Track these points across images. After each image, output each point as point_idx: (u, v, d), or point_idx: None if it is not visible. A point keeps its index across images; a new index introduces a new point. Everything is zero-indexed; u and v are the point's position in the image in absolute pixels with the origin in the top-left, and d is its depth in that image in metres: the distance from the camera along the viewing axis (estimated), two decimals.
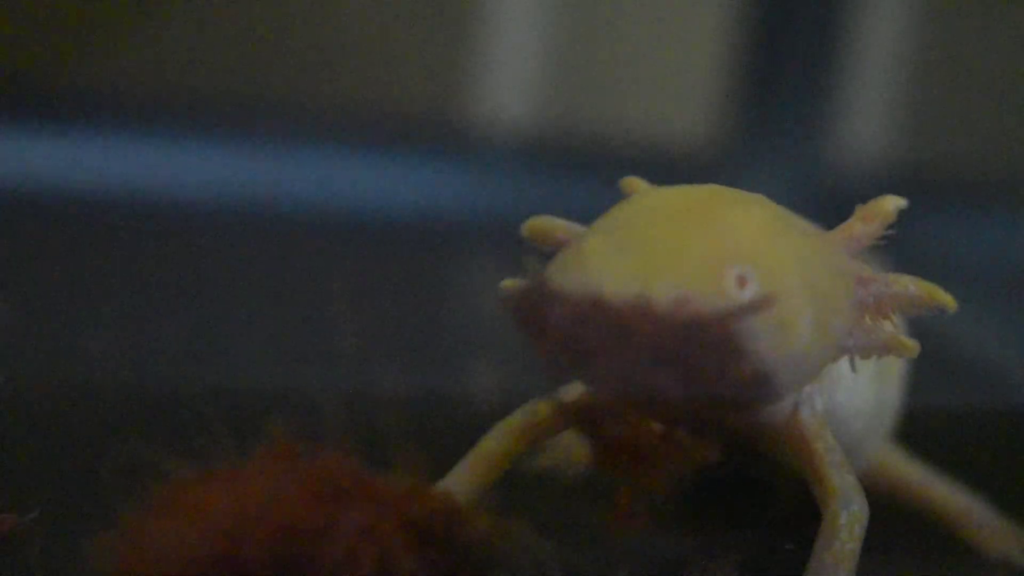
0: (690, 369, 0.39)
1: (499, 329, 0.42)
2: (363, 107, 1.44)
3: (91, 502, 0.47)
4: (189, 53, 1.41)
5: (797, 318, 0.41)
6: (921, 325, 0.50)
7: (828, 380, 0.48)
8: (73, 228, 1.12)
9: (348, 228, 1.24)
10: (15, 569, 0.45)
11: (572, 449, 0.55)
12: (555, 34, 1.52)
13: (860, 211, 0.46)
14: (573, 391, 0.46)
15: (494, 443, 0.48)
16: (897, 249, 0.50)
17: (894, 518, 0.55)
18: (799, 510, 0.49)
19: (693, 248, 0.41)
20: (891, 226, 0.46)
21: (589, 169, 1.31)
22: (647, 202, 0.44)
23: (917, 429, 0.59)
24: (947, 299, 0.45)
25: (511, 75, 1.52)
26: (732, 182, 0.47)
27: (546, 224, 0.47)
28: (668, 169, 0.50)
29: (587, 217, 0.46)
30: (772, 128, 1.35)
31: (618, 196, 0.47)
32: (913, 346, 0.45)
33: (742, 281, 0.41)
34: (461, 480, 0.47)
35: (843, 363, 0.46)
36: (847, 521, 0.45)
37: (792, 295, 0.41)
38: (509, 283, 0.44)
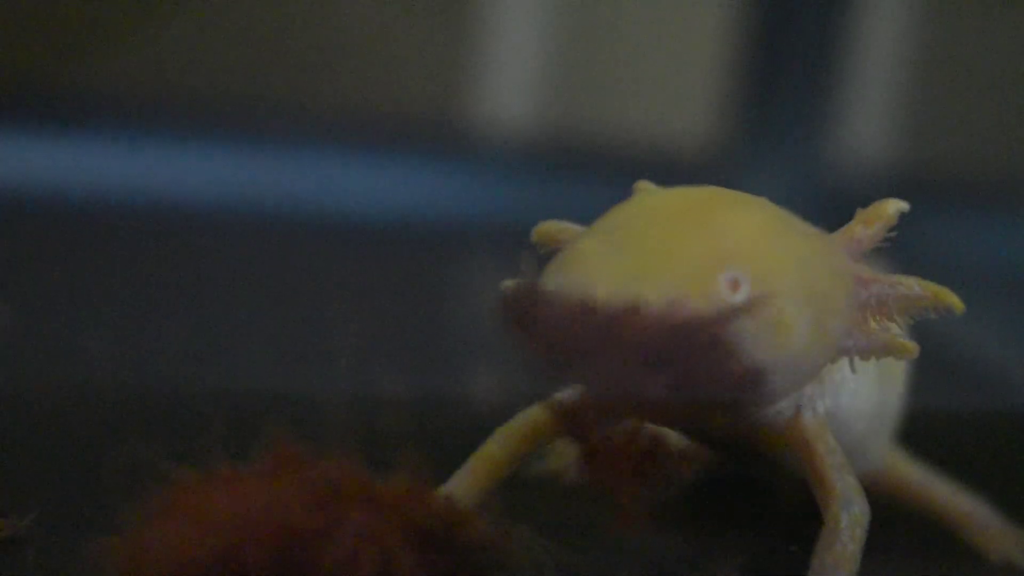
0: (681, 372, 0.39)
1: (499, 331, 0.42)
2: (364, 109, 1.44)
3: (92, 504, 0.47)
4: (190, 55, 1.41)
5: (792, 320, 0.41)
6: (921, 327, 0.50)
7: (830, 382, 0.48)
8: (73, 230, 1.12)
9: (349, 230, 1.24)
10: (15, 571, 0.45)
11: (573, 452, 0.55)
12: (555, 36, 1.52)
13: (861, 214, 0.46)
14: (570, 394, 0.46)
15: (496, 447, 0.48)
16: (897, 250, 0.50)
17: (896, 519, 0.55)
18: (801, 511, 0.49)
19: (686, 251, 0.41)
20: (892, 229, 0.46)
21: (590, 170, 1.31)
22: (644, 204, 0.44)
23: (918, 431, 0.59)
24: (954, 300, 0.45)
25: (512, 77, 1.52)
26: (733, 183, 0.47)
27: (555, 228, 0.47)
28: (669, 171, 0.50)
29: (588, 219, 0.46)
30: (773, 129, 1.35)
31: (619, 197, 0.47)
32: (913, 348, 0.45)
33: (735, 284, 0.41)
34: (463, 484, 0.47)
35: (845, 365, 0.46)
36: (848, 523, 0.45)
37: (787, 297, 0.41)
38: (509, 284, 0.44)
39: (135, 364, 0.74)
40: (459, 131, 1.49)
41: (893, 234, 0.46)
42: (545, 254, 0.45)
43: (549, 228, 0.47)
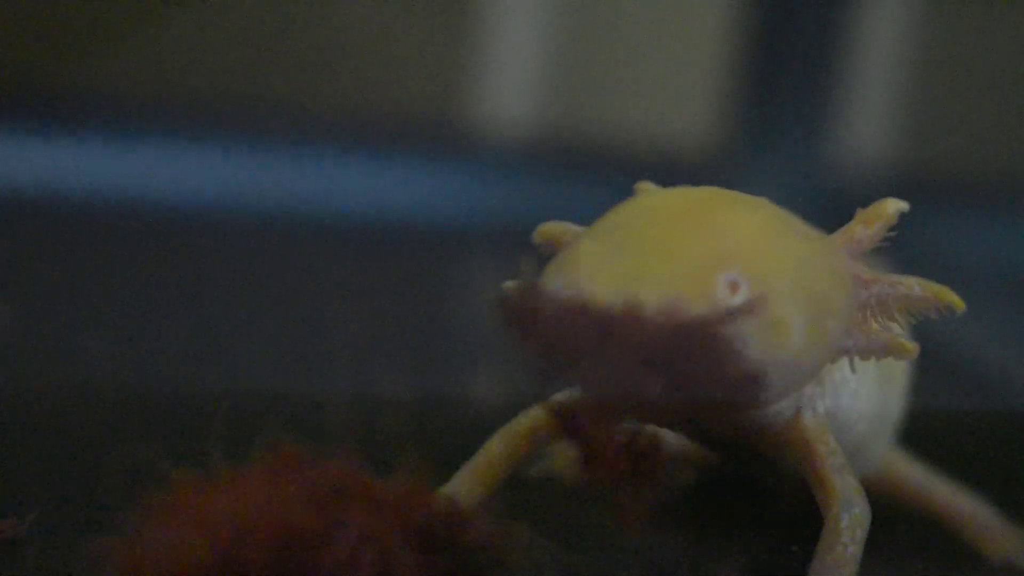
0: (678, 374, 0.39)
1: (498, 332, 0.42)
2: (364, 109, 1.44)
3: (91, 505, 0.47)
4: (190, 56, 1.41)
5: (790, 321, 0.41)
6: (922, 327, 0.50)
7: (831, 383, 0.48)
8: (73, 230, 1.12)
9: (348, 230, 1.24)
10: (15, 572, 0.45)
11: (572, 453, 0.55)
12: (556, 36, 1.52)
13: (861, 214, 0.46)
14: (568, 395, 0.45)
15: (497, 447, 0.48)
16: (898, 251, 0.50)
17: (896, 520, 0.55)
18: (802, 512, 0.49)
19: (685, 252, 0.41)
20: (892, 228, 0.46)
21: (590, 171, 1.31)
22: (644, 204, 0.44)
23: (918, 431, 0.59)
24: (954, 299, 0.45)
25: (512, 77, 1.52)
26: (733, 184, 0.47)
27: (556, 229, 0.47)
28: (669, 171, 0.50)
29: (589, 219, 0.46)
30: (773, 130, 1.35)
31: (620, 197, 0.47)
32: (913, 348, 0.45)
33: (733, 286, 0.41)
34: (464, 484, 0.47)
35: (845, 366, 0.46)
36: (849, 524, 0.45)
37: (785, 298, 0.41)
38: (510, 285, 0.44)
39: (135, 364, 0.74)
40: (459, 131, 1.49)
41: (893, 234, 0.46)
42: (547, 255, 0.45)
43: (550, 229, 0.47)
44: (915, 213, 0.47)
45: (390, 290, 1.01)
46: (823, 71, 1.35)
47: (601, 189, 0.49)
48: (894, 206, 0.46)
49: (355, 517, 0.38)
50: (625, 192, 0.47)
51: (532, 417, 0.48)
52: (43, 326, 0.82)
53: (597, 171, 1.29)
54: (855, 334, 0.45)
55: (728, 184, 0.47)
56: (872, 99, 1.49)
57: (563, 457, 0.57)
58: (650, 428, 0.43)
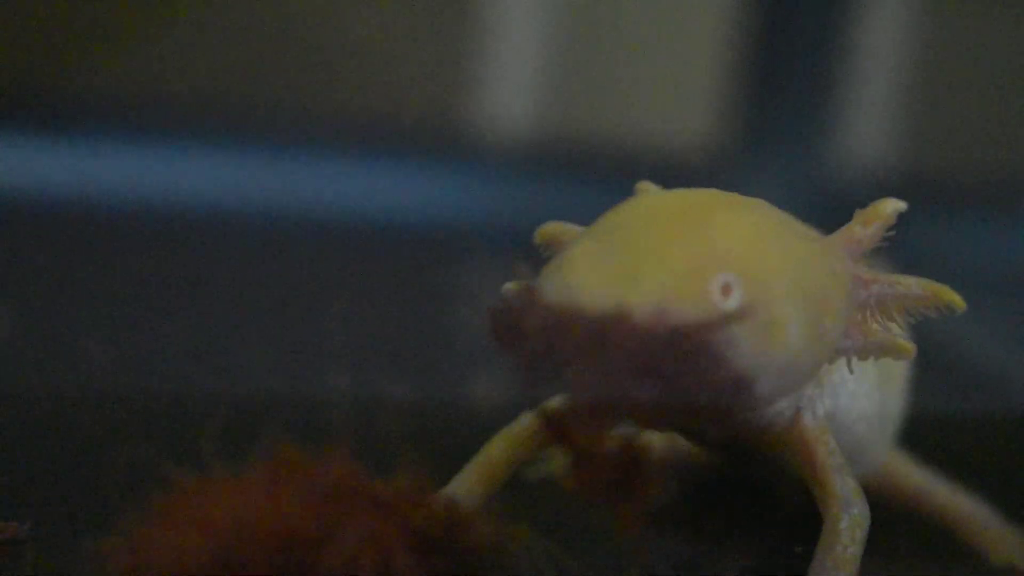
0: (670, 379, 0.39)
1: (489, 337, 0.41)
2: (365, 112, 1.44)
3: (91, 507, 0.47)
4: (191, 59, 1.41)
5: (787, 323, 0.41)
6: (922, 328, 0.50)
7: (830, 385, 0.48)
8: (73, 232, 1.12)
9: (349, 232, 1.24)
10: (15, 574, 0.45)
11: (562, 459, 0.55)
12: (557, 39, 1.52)
13: (860, 215, 0.46)
14: (561, 401, 0.45)
15: (497, 450, 0.48)
16: (898, 252, 0.50)
17: (896, 520, 0.55)
18: (804, 512, 0.49)
19: (678, 255, 0.41)
20: (891, 228, 0.46)
21: (591, 173, 1.31)
22: (640, 206, 0.44)
23: (918, 433, 0.59)
24: (954, 298, 0.45)
25: (513, 79, 1.52)
26: (734, 186, 0.47)
27: (557, 230, 0.47)
28: (670, 173, 0.50)
29: (590, 221, 0.45)
30: (774, 132, 1.35)
31: (620, 200, 0.47)
32: (911, 348, 0.45)
33: (727, 289, 0.40)
34: (464, 487, 0.47)
35: (845, 367, 0.46)
36: (848, 525, 0.45)
37: (780, 300, 0.41)
38: (509, 287, 0.44)
39: (135, 366, 0.74)
40: (459, 133, 1.49)
41: (892, 233, 0.46)
42: (548, 255, 0.45)
43: (551, 229, 0.47)
44: (916, 215, 0.47)
45: (391, 292, 1.01)
46: (823, 74, 1.35)
47: (602, 191, 0.49)
48: (892, 206, 0.46)
49: (355, 519, 0.38)
50: (626, 194, 0.47)
51: (531, 420, 0.48)
52: (43, 328, 0.82)
53: (598, 173, 1.29)
54: (854, 334, 0.45)
55: (729, 186, 0.47)
56: (873, 101, 1.49)
57: (561, 460, 0.57)
58: (641, 435, 0.43)
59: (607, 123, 1.49)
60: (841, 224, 0.47)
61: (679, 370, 0.39)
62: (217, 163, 1.28)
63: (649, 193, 0.47)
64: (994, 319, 1.05)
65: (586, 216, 0.46)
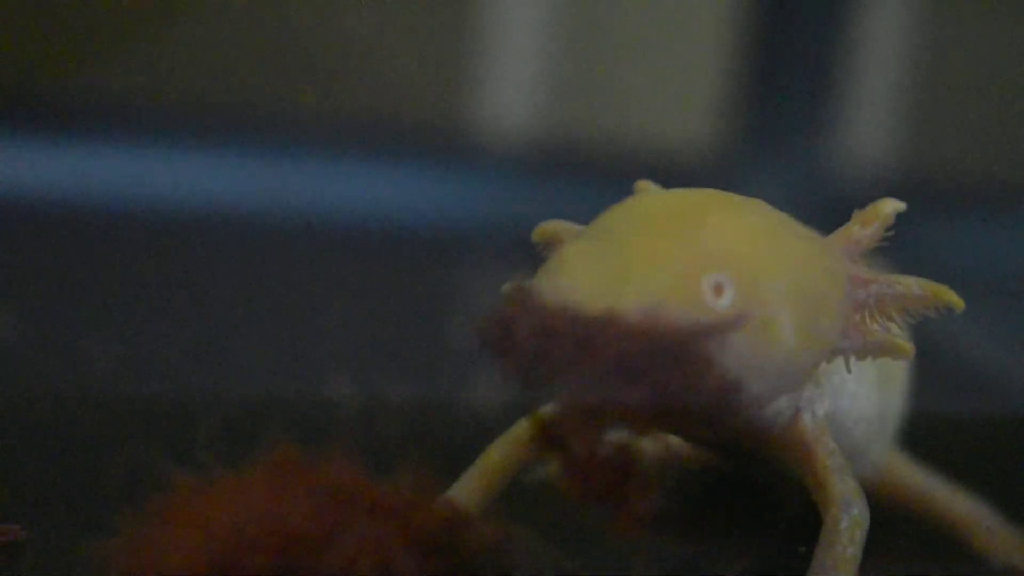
0: (662, 380, 0.39)
1: (479, 338, 0.41)
2: (366, 114, 1.44)
3: (92, 509, 0.47)
4: (192, 62, 1.41)
5: (780, 324, 0.41)
6: (922, 329, 0.50)
7: (830, 386, 0.48)
8: (74, 234, 1.12)
9: (350, 235, 1.24)
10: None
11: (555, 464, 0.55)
12: (558, 40, 1.52)
13: (859, 215, 0.46)
14: (554, 406, 0.45)
15: (496, 455, 0.48)
16: (899, 253, 0.50)
17: (896, 521, 0.55)
18: (807, 513, 0.49)
19: (669, 255, 0.41)
20: (890, 229, 0.46)
21: (591, 174, 1.31)
22: (635, 206, 0.44)
23: (919, 433, 0.59)
24: (953, 298, 0.45)
25: (514, 80, 1.52)
26: (734, 186, 0.47)
27: (555, 228, 0.47)
28: (671, 174, 0.50)
29: (590, 222, 0.45)
30: (774, 133, 1.35)
31: (621, 200, 0.47)
32: (909, 348, 0.45)
33: (719, 289, 0.40)
34: (467, 491, 0.47)
35: (845, 369, 0.46)
36: (848, 526, 0.45)
37: (775, 301, 0.41)
38: (509, 287, 0.44)
39: (136, 368, 0.74)
40: (460, 134, 1.49)
41: (891, 233, 0.46)
42: (547, 254, 0.45)
43: (550, 228, 0.47)
44: (917, 216, 0.47)
45: (391, 294, 1.01)
46: (824, 74, 1.35)
47: (602, 191, 0.49)
48: (891, 206, 0.46)
49: (355, 520, 0.38)
50: (626, 194, 0.47)
51: (527, 425, 0.47)
52: (43, 330, 0.82)
53: (598, 174, 1.29)
54: (852, 334, 0.44)
55: (729, 187, 0.47)
56: (873, 102, 1.49)
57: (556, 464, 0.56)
58: (638, 438, 0.43)
59: (607, 123, 1.49)
60: (841, 224, 0.47)
61: (671, 370, 0.38)
62: (217, 164, 1.28)
63: (647, 193, 0.47)
64: (994, 319, 1.05)
65: (587, 216, 0.46)
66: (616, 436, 0.42)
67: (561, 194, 1.28)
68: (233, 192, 1.25)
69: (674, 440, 0.52)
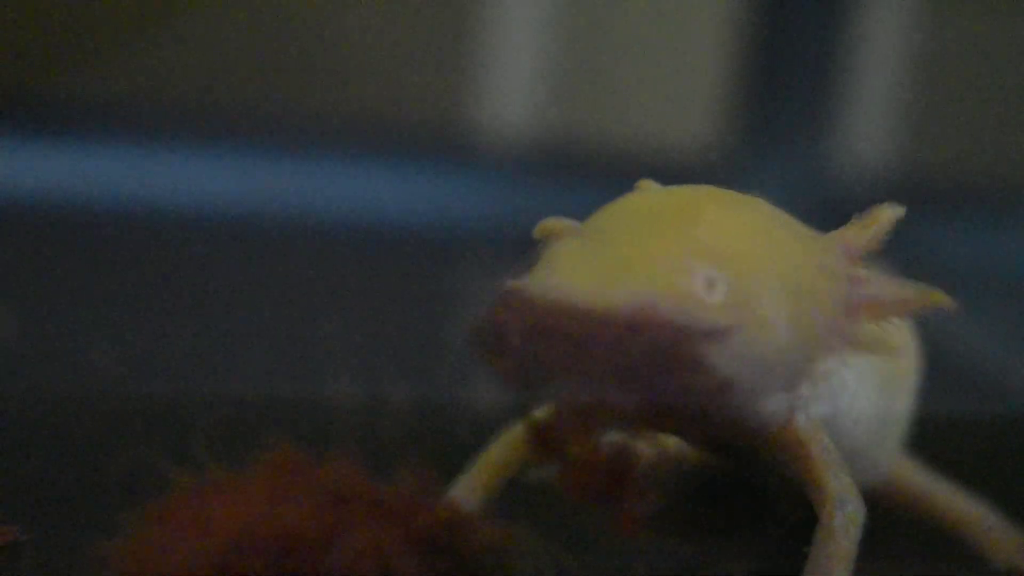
0: (653, 374, 0.39)
1: (470, 336, 0.41)
2: (365, 114, 1.44)
3: (92, 509, 0.47)
4: (193, 62, 1.41)
5: (773, 321, 0.41)
6: (923, 330, 0.50)
7: (829, 386, 0.47)
8: (75, 236, 1.12)
9: (351, 237, 1.24)
10: None
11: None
12: (557, 41, 1.52)
13: (857, 219, 0.46)
14: (546, 410, 0.45)
15: (496, 454, 0.48)
16: (899, 253, 0.50)
17: (898, 522, 0.55)
18: (809, 514, 0.49)
19: (661, 250, 0.40)
20: (889, 235, 0.46)
21: (591, 175, 1.31)
22: (629, 203, 0.44)
23: (919, 434, 0.59)
24: (944, 300, 0.45)
25: (514, 81, 1.52)
26: (734, 186, 0.47)
27: (556, 226, 0.47)
28: (671, 174, 0.49)
29: None
30: (775, 133, 1.35)
31: None
32: (899, 345, 0.45)
33: (711, 284, 0.40)
34: (464, 491, 0.47)
35: (846, 370, 0.46)
36: (843, 522, 0.45)
37: (768, 297, 0.41)
38: (504, 284, 0.44)
39: (136, 369, 0.74)
40: (460, 135, 1.49)
41: (890, 237, 0.46)
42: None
43: (551, 225, 0.47)
44: (917, 215, 0.47)
45: (391, 295, 1.01)
46: (824, 75, 1.35)
47: (603, 192, 0.49)
48: (890, 212, 0.46)
49: (356, 521, 0.38)
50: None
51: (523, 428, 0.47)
52: (44, 330, 0.82)
53: (599, 175, 1.29)
54: (846, 331, 0.44)
55: (729, 187, 0.47)
56: (874, 102, 1.49)
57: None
58: (631, 441, 0.43)
59: (607, 123, 1.49)
60: (841, 224, 0.47)
61: (663, 366, 0.38)
62: (217, 164, 1.28)
63: (643, 190, 0.47)
64: (994, 319, 1.05)
65: (587, 217, 0.46)
66: (613, 436, 0.42)
67: (561, 194, 1.28)
68: (233, 192, 1.25)
69: (672, 441, 0.52)
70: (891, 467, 0.56)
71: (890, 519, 0.49)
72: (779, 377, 0.43)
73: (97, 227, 1.16)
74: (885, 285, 0.45)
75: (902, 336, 0.53)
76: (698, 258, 0.40)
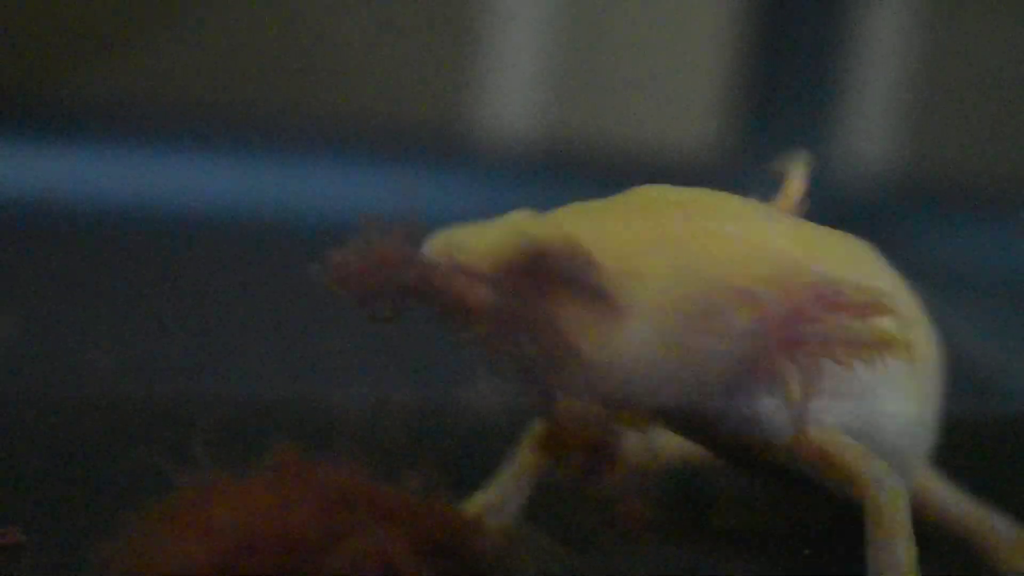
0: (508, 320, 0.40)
1: None
2: (366, 116, 1.44)
3: (94, 512, 0.47)
4: (194, 64, 1.41)
5: (632, 328, 0.41)
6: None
7: (850, 394, 0.47)
8: (76, 239, 1.12)
9: (351, 237, 1.24)
10: None
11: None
12: (559, 42, 1.52)
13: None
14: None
15: (528, 453, 0.48)
16: (900, 253, 0.50)
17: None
18: (813, 516, 0.49)
19: (546, 229, 0.41)
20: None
21: (592, 176, 1.31)
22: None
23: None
24: (906, 352, 0.44)
25: (515, 82, 1.52)
26: (735, 188, 0.47)
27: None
28: (671, 176, 0.50)
29: None
30: (775, 134, 1.35)
31: None
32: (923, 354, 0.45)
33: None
34: (503, 492, 0.48)
35: (875, 381, 0.45)
36: (887, 499, 0.44)
37: (641, 301, 0.41)
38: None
39: (138, 371, 0.74)
40: (461, 137, 1.49)
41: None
42: None
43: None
44: (917, 216, 0.47)
45: None
46: (825, 76, 1.35)
47: (602, 193, 0.49)
48: (798, 165, 0.46)
49: (359, 524, 0.38)
50: None
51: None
52: (45, 332, 0.82)
53: (599, 176, 1.29)
54: (762, 365, 0.44)
55: (729, 188, 0.47)
56: (875, 103, 1.49)
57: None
58: (607, 417, 0.42)
59: (608, 124, 1.49)
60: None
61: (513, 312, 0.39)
62: (218, 166, 1.28)
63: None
64: (994, 319, 1.05)
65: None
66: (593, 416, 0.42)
67: (562, 196, 1.28)
68: (234, 194, 1.25)
69: (667, 443, 0.52)
70: (916, 480, 0.55)
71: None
72: (643, 388, 0.42)
73: (97, 228, 1.16)
74: (842, 327, 0.44)
75: (923, 344, 0.52)
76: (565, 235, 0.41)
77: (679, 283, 0.42)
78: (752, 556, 0.52)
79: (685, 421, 0.44)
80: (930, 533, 0.57)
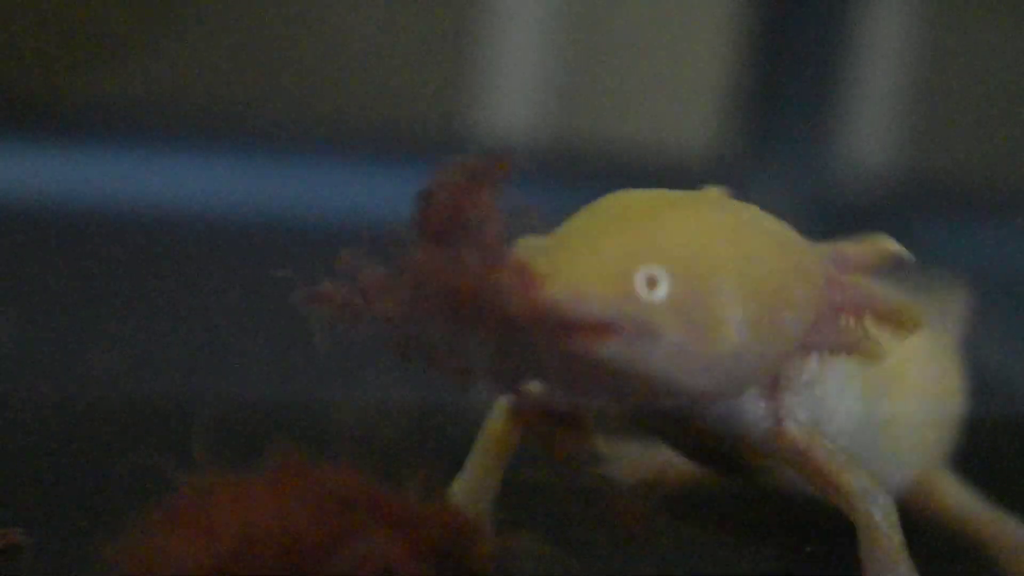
0: (575, 371, 0.39)
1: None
2: (367, 118, 1.44)
3: (95, 513, 0.47)
4: (194, 66, 1.41)
5: (726, 320, 0.41)
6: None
7: (810, 394, 0.47)
8: (76, 239, 1.12)
9: (352, 237, 1.24)
10: None
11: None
12: (559, 44, 1.52)
13: (858, 238, 0.46)
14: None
15: (500, 424, 0.48)
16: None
17: (919, 532, 0.55)
18: (811, 516, 0.49)
19: (608, 248, 0.41)
20: (884, 268, 0.46)
21: (593, 180, 1.31)
22: (603, 203, 0.44)
23: None
24: (917, 319, 0.45)
25: (516, 84, 1.52)
26: (736, 190, 0.47)
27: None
28: (673, 178, 0.50)
29: None
30: (777, 136, 1.35)
31: None
32: (881, 351, 0.45)
33: (652, 282, 0.40)
34: (479, 468, 0.48)
35: (828, 377, 0.46)
36: (882, 515, 0.44)
37: (722, 296, 0.41)
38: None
39: (138, 372, 0.74)
40: (461, 138, 1.49)
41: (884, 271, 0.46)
42: None
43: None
44: (918, 216, 0.47)
45: None
46: (827, 78, 1.35)
47: (603, 195, 0.49)
48: (891, 246, 0.46)
49: (359, 526, 0.38)
50: None
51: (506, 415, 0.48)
52: (46, 333, 0.82)
53: (600, 180, 1.29)
54: (824, 330, 0.44)
55: (731, 191, 0.47)
56: (876, 105, 1.49)
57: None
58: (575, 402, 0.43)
59: (609, 127, 1.49)
60: (844, 230, 0.47)
61: (588, 360, 0.39)
62: (219, 166, 1.28)
63: (615, 193, 0.47)
64: (995, 319, 1.05)
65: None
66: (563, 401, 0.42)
67: (562, 197, 1.28)
68: (234, 195, 1.25)
69: (676, 459, 0.52)
70: (916, 477, 0.55)
71: (913, 529, 0.48)
72: (739, 375, 0.42)
73: (98, 228, 1.16)
74: (865, 293, 0.45)
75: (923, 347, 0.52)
76: (643, 256, 0.41)
77: (747, 271, 0.42)
78: (752, 556, 0.52)
79: (665, 417, 0.44)
80: (940, 535, 0.57)
